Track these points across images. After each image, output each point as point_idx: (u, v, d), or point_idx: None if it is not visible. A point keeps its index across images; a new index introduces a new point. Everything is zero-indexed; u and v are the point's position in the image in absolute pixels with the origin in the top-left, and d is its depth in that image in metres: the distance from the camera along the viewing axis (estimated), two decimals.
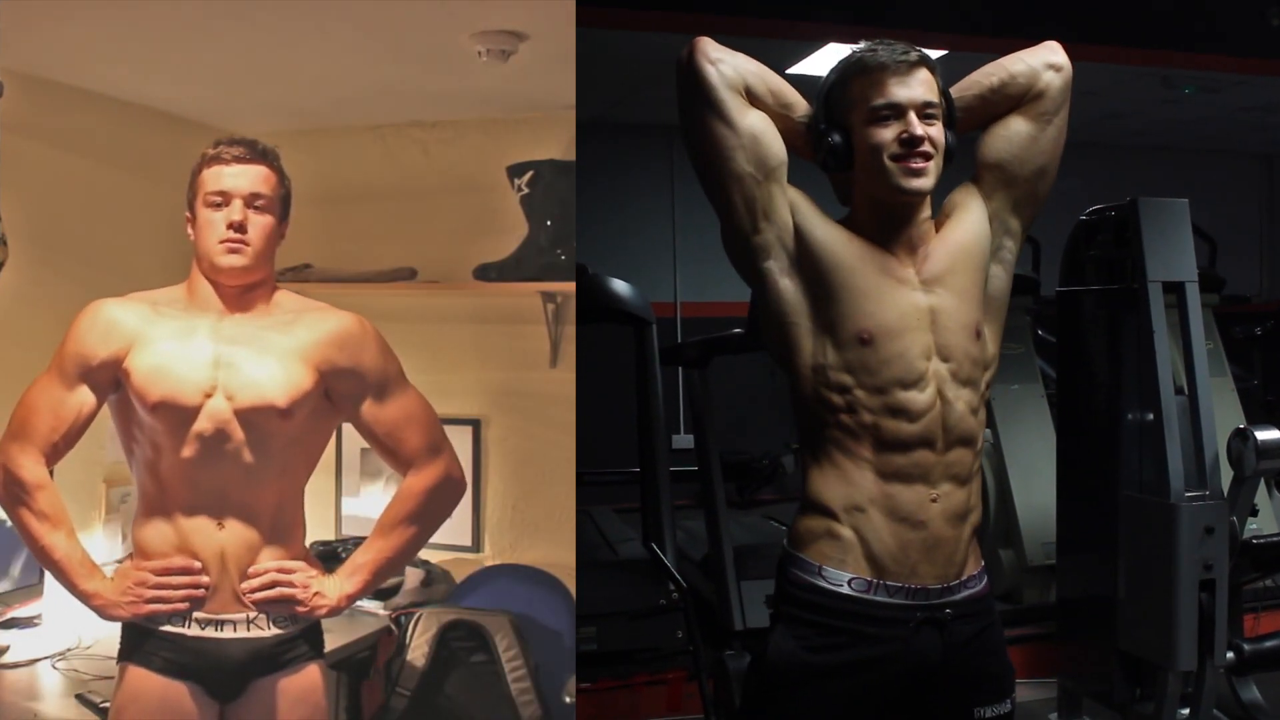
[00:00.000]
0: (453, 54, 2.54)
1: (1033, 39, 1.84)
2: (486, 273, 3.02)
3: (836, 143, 1.71)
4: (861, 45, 1.71)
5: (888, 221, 1.72)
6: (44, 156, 2.69)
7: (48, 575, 2.72)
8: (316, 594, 2.03)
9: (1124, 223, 3.32)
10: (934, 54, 1.74)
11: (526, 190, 2.96)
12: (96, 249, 2.90)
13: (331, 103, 3.07)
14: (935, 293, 1.71)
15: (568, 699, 2.65)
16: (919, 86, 1.67)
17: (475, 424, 3.21)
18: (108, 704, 2.20)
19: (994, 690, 1.76)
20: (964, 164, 1.83)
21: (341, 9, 2.34)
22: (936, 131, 1.68)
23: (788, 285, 1.71)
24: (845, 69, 1.72)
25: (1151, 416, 3.24)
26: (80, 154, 2.85)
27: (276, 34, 2.50)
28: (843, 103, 1.71)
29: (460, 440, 3.21)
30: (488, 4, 2.34)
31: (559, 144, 2.99)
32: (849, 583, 1.67)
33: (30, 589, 2.67)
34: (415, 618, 2.69)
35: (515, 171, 3.00)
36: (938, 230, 1.76)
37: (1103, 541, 3.39)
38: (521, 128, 3.10)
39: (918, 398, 1.67)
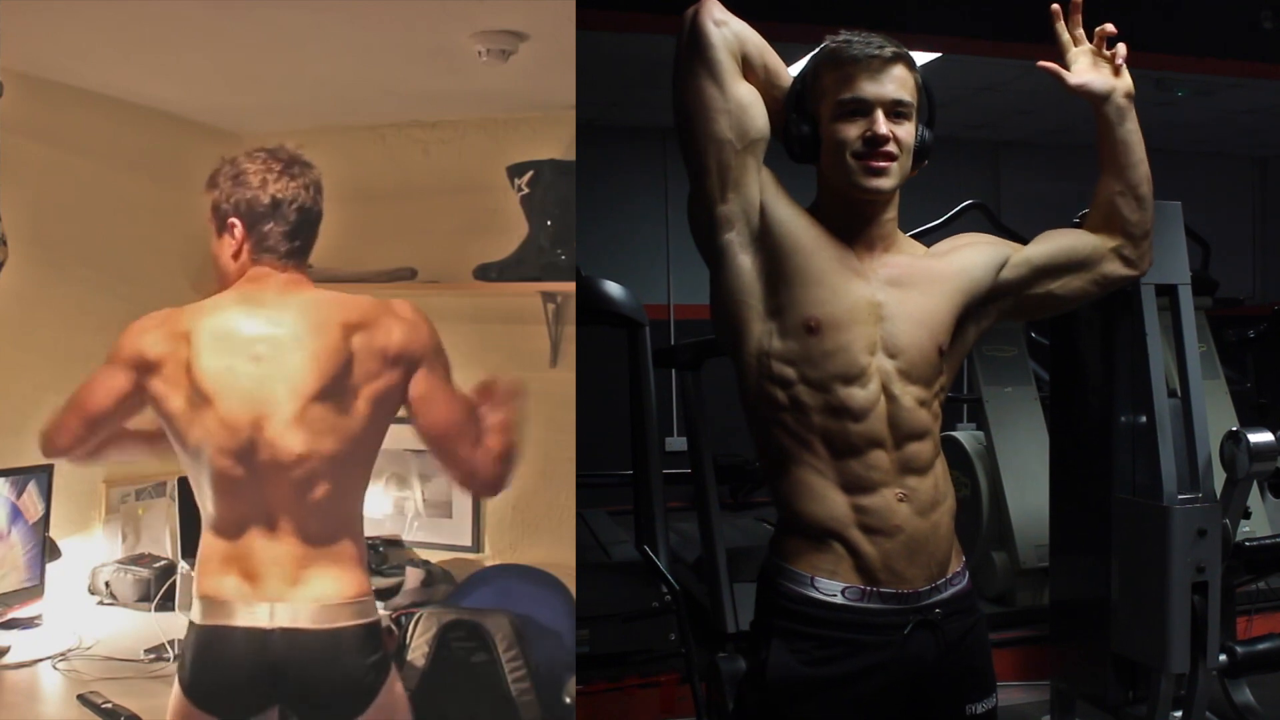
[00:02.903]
0: (453, 54, 2.54)
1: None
2: (486, 273, 3.02)
3: (803, 133, 1.70)
4: (840, 36, 1.69)
5: (849, 216, 1.71)
6: (44, 156, 2.69)
7: (48, 576, 2.73)
8: None
9: None
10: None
11: (526, 190, 2.96)
12: (96, 249, 2.90)
13: (331, 102, 3.07)
14: (889, 290, 1.70)
15: (568, 699, 2.65)
16: (890, 83, 1.65)
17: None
18: (109, 704, 2.20)
19: (982, 686, 1.77)
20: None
21: (341, 9, 2.34)
22: (904, 131, 1.67)
23: (745, 262, 1.69)
24: (819, 59, 1.70)
25: (1144, 419, 3.24)
26: (80, 154, 2.85)
27: (276, 34, 2.50)
28: (813, 93, 1.70)
29: None
30: (488, 4, 2.34)
31: (559, 144, 3.00)
32: (842, 592, 1.66)
33: (31, 590, 2.67)
34: (415, 618, 2.69)
35: (515, 171, 3.00)
36: (935, 252, 1.79)
37: (1096, 544, 3.39)
38: (521, 128, 3.11)
39: (858, 394, 1.65)
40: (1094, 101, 1.79)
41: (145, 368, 2.00)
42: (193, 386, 1.96)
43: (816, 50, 1.71)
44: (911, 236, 1.80)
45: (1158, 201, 3.24)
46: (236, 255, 2.05)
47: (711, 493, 4.03)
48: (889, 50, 1.66)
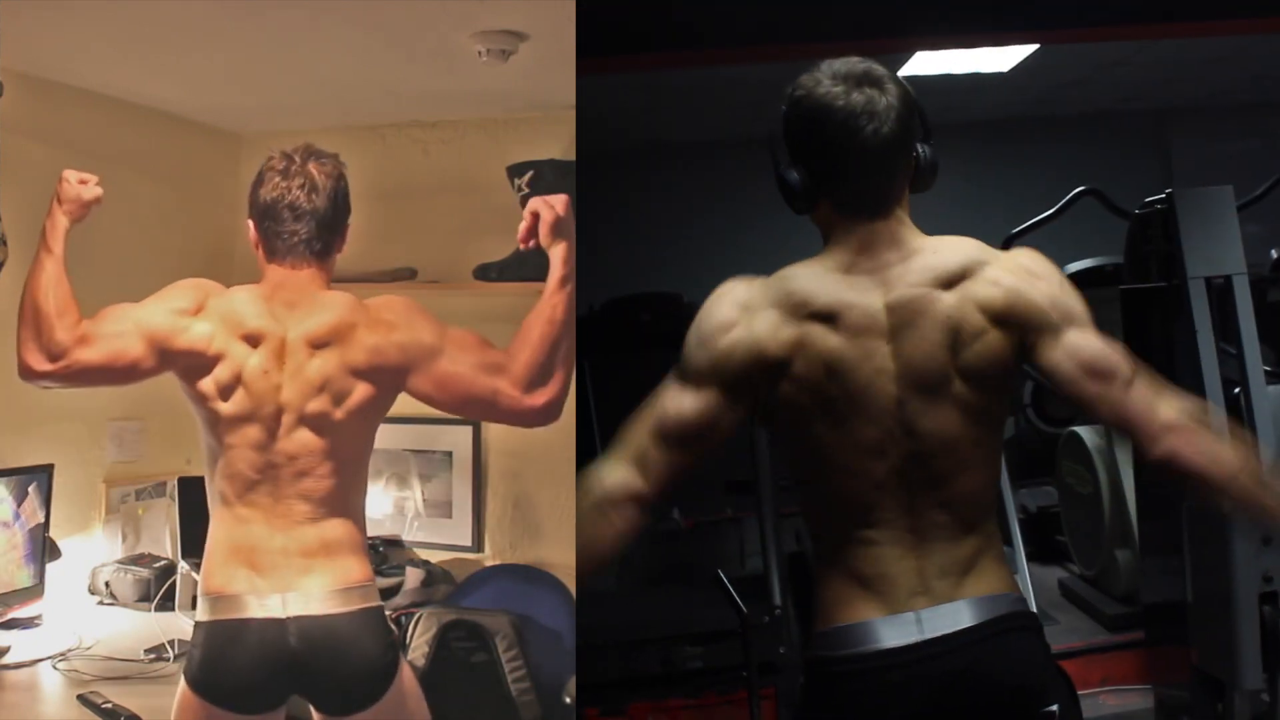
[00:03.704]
0: (453, 54, 2.54)
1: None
2: (486, 273, 3.02)
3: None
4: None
5: None
6: (44, 156, 2.69)
7: (48, 576, 2.73)
8: None
9: (1170, 215, 3.13)
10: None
11: (526, 190, 2.95)
12: (96, 249, 2.89)
13: (331, 102, 3.07)
14: None
15: (568, 699, 2.65)
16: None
17: (475, 424, 3.21)
18: (109, 704, 2.20)
19: None
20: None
21: (342, 9, 2.34)
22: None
23: None
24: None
25: None
26: (80, 154, 2.83)
27: (276, 34, 2.50)
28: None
29: (460, 440, 3.22)
30: (488, 4, 2.33)
31: (559, 144, 2.99)
32: None
33: (31, 590, 2.67)
34: (415, 618, 2.69)
35: (515, 171, 2.99)
36: None
37: (1177, 550, 3.24)
38: (521, 128, 3.10)
39: None
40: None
41: (183, 358, 2.05)
42: (230, 383, 2.03)
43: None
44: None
45: (1205, 188, 3.11)
46: (257, 254, 2.15)
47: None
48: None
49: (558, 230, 2.00)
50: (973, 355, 1.59)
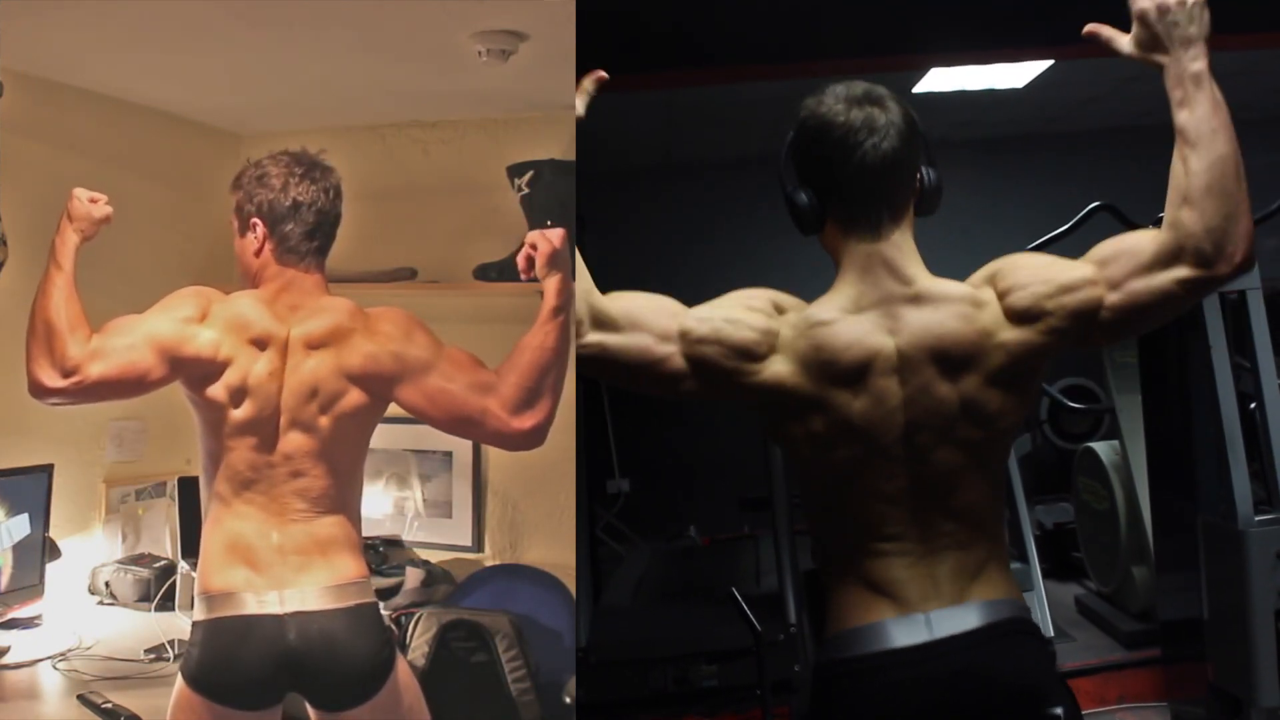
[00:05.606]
0: (453, 54, 2.54)
1: None
2: (486, 273, 3.02)
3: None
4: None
5: None
6: (44, 156, 2.69)
7: (48, 576, 2.72)
8: None
9: None
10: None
11: (526, 190, 2.96)
12: (96, 249, 2.89)
13: (331, 102, 3.07)
14: None
15: (568, 699, 2.65)
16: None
17: None
18: (109, 704, 2.20)
19: None
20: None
21: (341, 9, 2.34)
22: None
23: None
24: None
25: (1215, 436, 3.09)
26: (80, 154, 2.84)
27: (276, 34, 2.50)
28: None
29: (461, 441, 3.21)
30: (488, 4, 2.33)
31: (559, 144, 2.99)
32: None
33: (31, 589, 2.67)
34: (415, 618, 2.69)
35: (515, 171, 2.99)
36: None
37: (1192, 567, 3.25)
38: (521, 128, 3.10)
39: None
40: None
41: (191, 366, 2.04)
42: (240, 387, 2.04)
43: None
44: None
45: None
46: (258, 253, 2.14)
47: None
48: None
49: (553, 263, 2.00)
50: (982, 388, 1.62)
